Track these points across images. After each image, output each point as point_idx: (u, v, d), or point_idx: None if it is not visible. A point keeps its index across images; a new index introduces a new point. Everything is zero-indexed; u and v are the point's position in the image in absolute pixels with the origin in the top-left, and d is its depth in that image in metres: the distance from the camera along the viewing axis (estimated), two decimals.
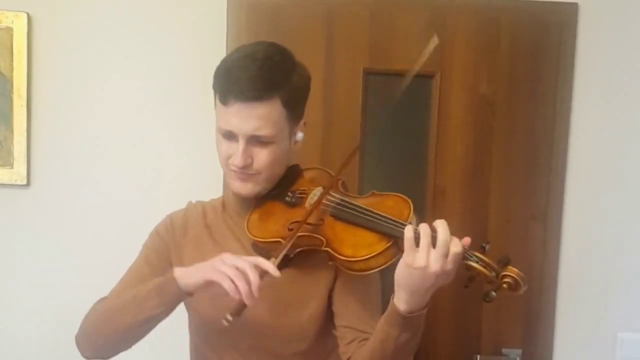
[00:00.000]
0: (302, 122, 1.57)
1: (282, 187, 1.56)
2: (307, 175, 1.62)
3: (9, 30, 2.35)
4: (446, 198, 2.44)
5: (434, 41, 1.47)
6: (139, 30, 2.39)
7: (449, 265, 1.27)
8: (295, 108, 1.50)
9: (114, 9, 2.38)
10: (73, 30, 2.38)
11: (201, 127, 2.39)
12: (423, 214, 2.37)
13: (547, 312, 2.49)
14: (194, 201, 1.74)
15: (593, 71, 2.42)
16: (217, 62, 2.32)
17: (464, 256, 1.29)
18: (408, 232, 1.28)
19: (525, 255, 2.46)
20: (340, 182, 1.57)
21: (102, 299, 1.64)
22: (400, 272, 1.30)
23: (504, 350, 2.48)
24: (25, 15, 2.35)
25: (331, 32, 2.38)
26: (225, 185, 1.62)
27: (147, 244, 1.70)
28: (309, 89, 1.56)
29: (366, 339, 1.47)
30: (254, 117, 1.43)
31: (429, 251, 1.26)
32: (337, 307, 1.54)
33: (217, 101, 1.50)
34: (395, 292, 1.33)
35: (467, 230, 2.41)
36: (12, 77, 2.36)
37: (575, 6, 2.40)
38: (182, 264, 1.61)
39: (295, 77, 1.49)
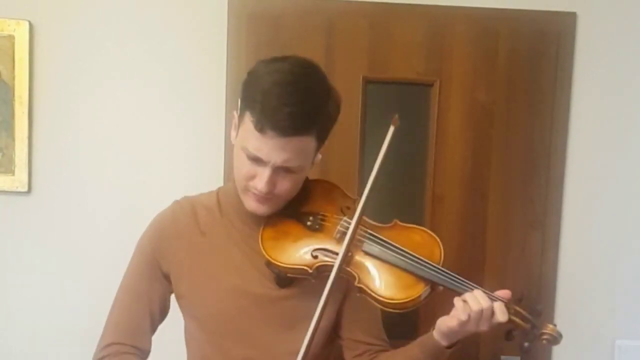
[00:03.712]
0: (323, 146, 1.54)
1: (294, 202, 1.53)
2: (316, 188, 1.58)
3: (11, 38, 2.36)
4: (445, 206, 2.45)
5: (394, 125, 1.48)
6: (140, 39, 2.40)
7: (494, 324, 1.38)
8: (325, 137, 1.48)
9: (115, 17, 2.39)
10: (74, 38, 2.39)
11: (203, 135, 2.41)
12: (422, 222, 2.38)
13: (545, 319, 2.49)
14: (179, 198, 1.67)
15: (591, 80, 2.44)
16: (218, 72, 2.37)
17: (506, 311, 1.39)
18: (459, 302, 1.39)
19: (524, 263, 2.47)
20: (352, 201, 1.55)
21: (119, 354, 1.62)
22: (451, 326, 1.39)
23: (502, 357, 2.49)
24: (27, 23, 2.36)
25: (331, 42, 2.39)
26: (224, 188, 1.59)
27: (137, 264, 1.64)
28: (339, 112, 1.51)
29: (378, 352, 1.54)
30: (288, 151, 1.39)
31: (479, 320, 1.37)
32: (345, 320, 1.56)
33: (249, 122, 1.39)
34: (437, 331, 1.43)
35: (465, 238, 2.45)
36: (13, 84, 2.37)
37: (573, 16, 2.41)
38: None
39: (331, 105, 1.45)
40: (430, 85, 2.42)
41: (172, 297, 1.65)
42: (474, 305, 1.36)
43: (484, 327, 1.37)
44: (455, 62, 2.42)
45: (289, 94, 1.37)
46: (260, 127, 1.37)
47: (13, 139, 2.39)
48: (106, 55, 2.40)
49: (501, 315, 1.36)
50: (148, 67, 2.41)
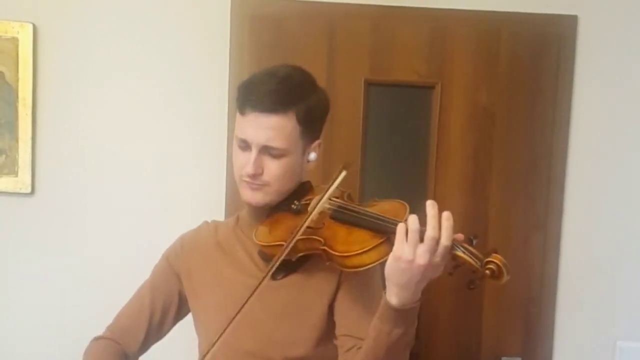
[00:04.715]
0: (316, 143, 1.60)
1: (292, 200, 1.59)
2: (318, 191, 1.63)
3: (15, 41, 2.37)
4: (446, 207, 2.41)
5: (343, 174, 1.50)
6: (143, 41, 2.41)
7: (437, 259, 1.28)
8: (310, 126, 1.54)
9: (119, 19, 2.41)
10: (78, 41, 2.41)
11: (205, 136, 2.42)
12: (423, 223, 2.38)
13: (546, 320, 2.50)
14: (200, 205, 1.77)
15: (592, 82, 2.44)
16: (221, 74, 2.39)
17: (451, 244, 1.31)
18: (400, 226, 1.31)
19: (525, 264, 2.48)
20: (346, 194, 1.60)
21: (98, 339, 1.71)
22: (390, 266, 1.31)
23: (503, 358, 2.49)
24: (30, 26, 2.37)
25: (332, 44, 2.41)
26: (242, 201, 1.63)
27: (156, 269, 1.74)
28: (327, 112, 1.60)
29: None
30: (268, 128, 1.48)
31: (416, 245, 1.27)
32: (338, 317, 1.56)
33: (237, 112, 1.55)
34: (387, 286, 1.34)
35: (467, 239, 2.45)
36: (17, 86, 2.39)
37: (574, 18, 2.42)
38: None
39: (313, 97, 1.54)
40: (432, 87, 2.43)
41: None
42: (412, 224, 1.28)
43: (423, 259, 1.26)
44: (456, 64, 2.43)
45: (269, 78, 1.51)
46: (242, 109, 1.51)
47: (16, 141, 2.40)
48: (109, 57, 2.41)
49: (446, 238, 1.27)
50: (151, 70, 2.42)
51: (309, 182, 1.65)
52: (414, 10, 2.41)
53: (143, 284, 1.73)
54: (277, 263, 1.44)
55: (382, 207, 1.48)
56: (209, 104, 2.41)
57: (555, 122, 2.45)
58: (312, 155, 1.59)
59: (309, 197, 1.60)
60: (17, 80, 2.39)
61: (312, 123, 1.55)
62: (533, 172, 2.47)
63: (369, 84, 2.42)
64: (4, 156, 2.40)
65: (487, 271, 1.27)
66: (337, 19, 2.40)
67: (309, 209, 1.53)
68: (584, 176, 2.48)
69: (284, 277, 1.56)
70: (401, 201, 1.50)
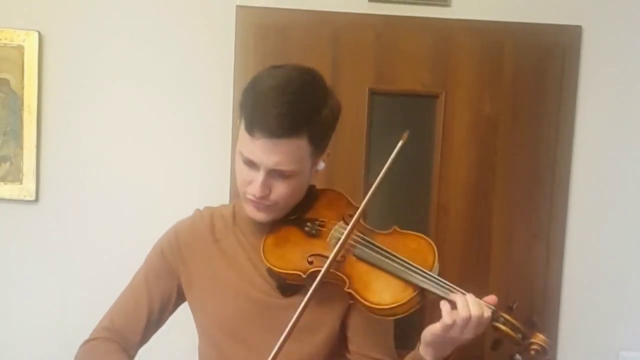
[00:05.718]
0: (325, 154, 1.51)
1: (298, 211, 1.54)
2: (323, 197, 1.58)
3: (20, 49, 2.39)
4: (449, 216, 2.46)
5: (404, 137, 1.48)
6: (148, 49, 2.43)
7: (479, 331, 1.31)
8: (321, 143, 1.45)
9: (124, 27, 2.42)
10: (83, 49, 2.42)
11: (210, 145, 2.43)
12: (426, 232, 2.36)
13: (549, 330, 2.49)
14: (201, 208, 1.68)
15: (596, 92, 2.45)
16: (225, 83, 2.39)
17: (492, 317, 1.33)
18: (445, 306, 1.32)
19: (528, 273, 2.48)
20: (356, 209, 1.52)
21: (88, 341, 1.65)
22: (432, 335, 1.34)
23: None
24: (36, 34, 2.39)
25: (337, 53, 2.41)
26: (238, 198, 1.59)
27: (149, 261, 1.65)
28: (337, 119, 1.49)
29: None
30: (278, 153, 1.38)
31: (465, 327, 1.30)
32: (351, 333, 1.54)
33: (242, 126, 1.41)
34: (422, 343, 1.36)
35: (469, 248, 2.46)
36: (22, 94, 2.40)
37: (578, 29, 2.43)
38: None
39: (325, 111, 1.43)
40: (436, 97, 2.44)
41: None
42: (463, 311, 1.30)
43: (468, 335, 1.30)
44: (460, 74, 2.44)
45: (279, 96, 1.37)
46: (250, 130, 1.38)
47: (21, 148, 2.41)
48: (114, 65, 2.42)
49: (485, 310, 1.31)
50: (156, 77, 2.43)
51: (313, 186, 1.58)
52: (418, 20, 2.42)
53: (136, 279, 1.64)
54: (306, 302, 1.38)
55: (408, 246, 1.43)
56: (214, 113, 2.42)
57: (559, 132, 2.46)
58: (321, 165, 1.52)
59: (316, 209, 1.55)
60: (23, 88, 2.40)
61: (323, 139, 1.47)
62: (536, 181, 2.48)
63: (373, 93, 2.43)
64: (8, 163, 2.41)
65: (532, 352, 1.31)
66: (342, 28, 2.41)
67: (329, 238, 1.47)
68: (587, 186, 2.48)
69: (293, 294, 1.50)
70: (426, 238, 1.44)
